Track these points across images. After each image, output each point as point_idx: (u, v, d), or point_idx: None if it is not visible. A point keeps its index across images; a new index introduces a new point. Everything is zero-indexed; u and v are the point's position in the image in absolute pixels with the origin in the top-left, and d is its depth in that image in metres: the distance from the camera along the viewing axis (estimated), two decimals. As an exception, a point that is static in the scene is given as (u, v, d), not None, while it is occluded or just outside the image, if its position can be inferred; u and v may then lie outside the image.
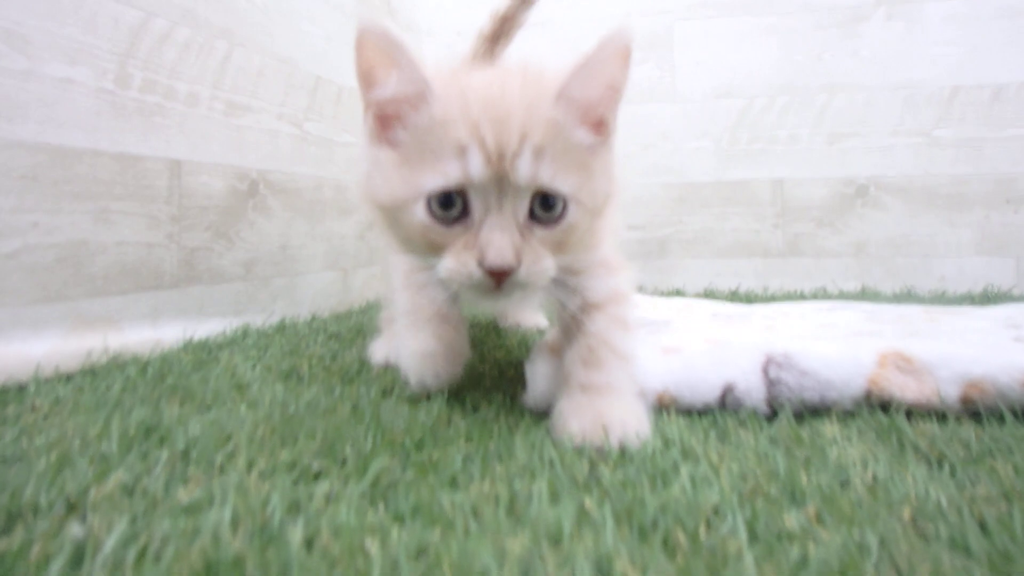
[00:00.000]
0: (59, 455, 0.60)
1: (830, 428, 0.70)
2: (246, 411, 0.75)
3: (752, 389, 0.76)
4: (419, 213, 0.62)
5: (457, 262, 0.62)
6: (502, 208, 0.61)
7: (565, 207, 0.63)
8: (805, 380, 0.76)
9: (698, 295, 1.77)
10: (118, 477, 0.55)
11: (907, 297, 1.66)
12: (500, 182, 0.60)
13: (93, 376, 0.91)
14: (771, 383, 0.76)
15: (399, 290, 0.81)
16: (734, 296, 1.78)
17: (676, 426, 0.71)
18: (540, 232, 0.63)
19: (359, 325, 1.38)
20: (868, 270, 1.84)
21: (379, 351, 1.02)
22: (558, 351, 0.79)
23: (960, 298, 1.61)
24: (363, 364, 1.03)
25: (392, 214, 0.65)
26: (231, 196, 1.30)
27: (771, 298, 1.68)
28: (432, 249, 0.64)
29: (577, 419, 0.67)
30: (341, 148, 1.65)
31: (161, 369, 0.95)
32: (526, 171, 0.60)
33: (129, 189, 1.08)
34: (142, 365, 0.96)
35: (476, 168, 0.60)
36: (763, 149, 1.87)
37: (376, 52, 0.62)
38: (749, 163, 1.88)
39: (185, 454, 0.62)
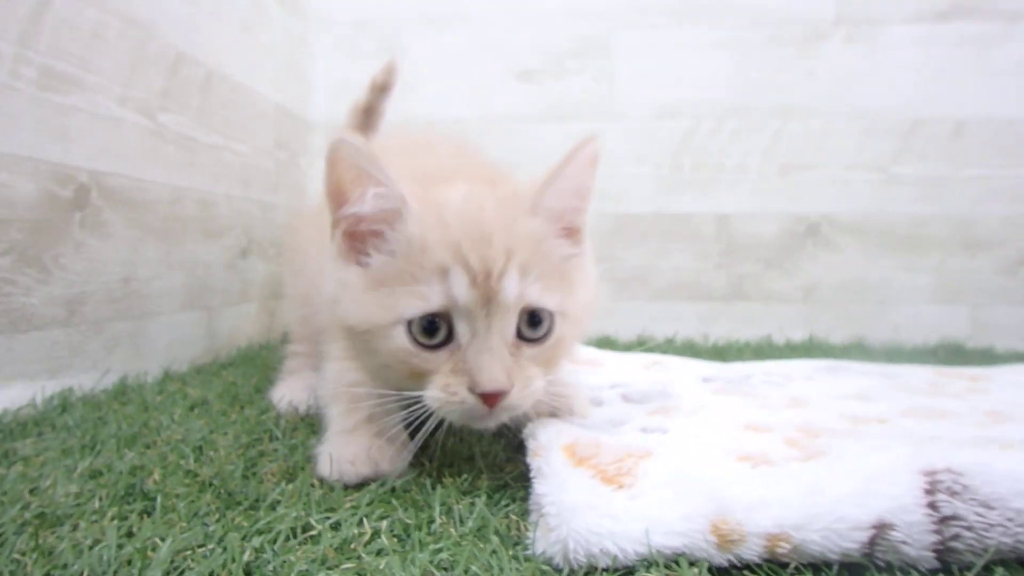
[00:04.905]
0: None
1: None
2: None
3: (915, 530, 0.48)
4: (398, 339, 0.59)
5: (445, 391, 0.58)
6: (490, 329, 0.58)
7: (552, 323, 0.61)
8: (990, 515, 0.48)
9: (629, 344, 1.51)
10: None
11: (858, 349, 1.50)
12: (486, 303, 0.58)
13: None
14: (942, 521, 0.48)
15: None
16: (670, 345, 1.54)
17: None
18: (528, 351, 0.61)
19: (231, 387, 1.00)
20: (818, 317, 1.67)
21: (285, 396, 0.90)
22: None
23: (919, 351, 1.47)
24: (250, 459, 0.67)
25: (364, 339, 0.61)
26: (47, 206, 0.89)
27: (716, 349, 1.46)
28: (413, 377, 0.60)
29: None
30: (208, 151, 1.25)
31: None
32: (513, 290, 0.58)
33: None
34: None
35: (460, 291, 0.57)
36: (709, 178, 1.67)
37: (350, 167, 0.58)
38: (693, 193, 1.67)
39: None
